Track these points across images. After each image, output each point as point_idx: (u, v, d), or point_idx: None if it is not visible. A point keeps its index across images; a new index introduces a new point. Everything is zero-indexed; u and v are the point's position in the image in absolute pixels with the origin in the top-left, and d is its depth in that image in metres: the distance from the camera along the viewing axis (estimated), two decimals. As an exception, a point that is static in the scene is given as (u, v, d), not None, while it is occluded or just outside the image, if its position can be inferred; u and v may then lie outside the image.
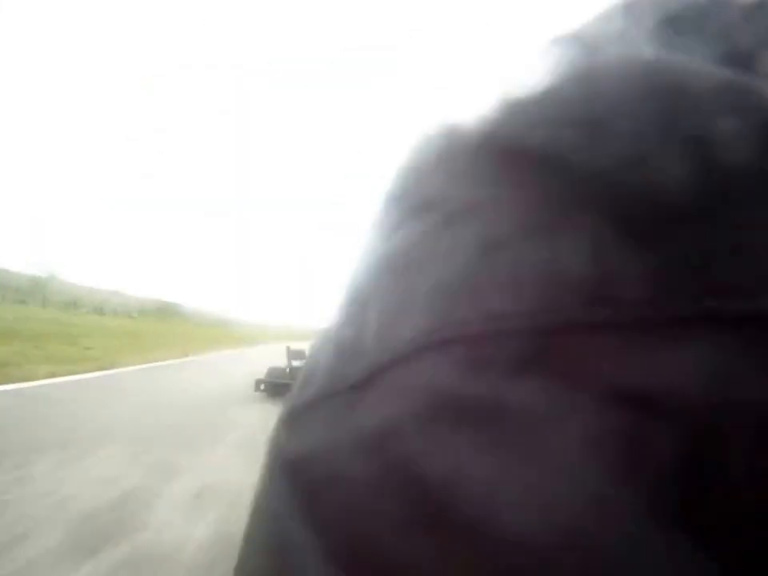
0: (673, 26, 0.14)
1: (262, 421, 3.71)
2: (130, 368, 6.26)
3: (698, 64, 0.12)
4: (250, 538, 0.14)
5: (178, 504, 2.13)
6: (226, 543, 1.71)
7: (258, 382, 5.48)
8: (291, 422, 0.13)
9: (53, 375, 4.78)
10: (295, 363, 5.84)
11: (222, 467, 2.66)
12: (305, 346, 5.89)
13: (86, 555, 1.60)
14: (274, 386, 5.47)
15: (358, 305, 0.13)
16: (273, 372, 5.64)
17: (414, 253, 0.12)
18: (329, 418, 0.12)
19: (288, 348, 6.10)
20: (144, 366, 6.63)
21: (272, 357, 6.93)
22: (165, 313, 20.25)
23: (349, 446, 0.11)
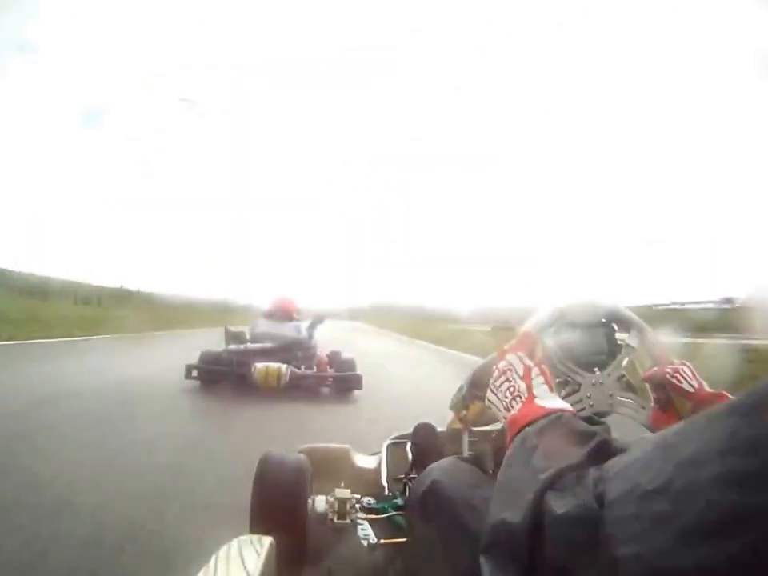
0: None
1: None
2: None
3: None
4: None
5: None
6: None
7: (188, 368, 4.47)
8: None
9: None
10: (233, 347, 4.77)
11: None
12: (244, 328, 5.20)
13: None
14: (207, 372, 4.46)
15: None
16: (206, 356, 4.62)
17: None
18: None
19: (226, 329, 5.00)
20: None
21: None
22: (119, 299, 19.55)
23: None
